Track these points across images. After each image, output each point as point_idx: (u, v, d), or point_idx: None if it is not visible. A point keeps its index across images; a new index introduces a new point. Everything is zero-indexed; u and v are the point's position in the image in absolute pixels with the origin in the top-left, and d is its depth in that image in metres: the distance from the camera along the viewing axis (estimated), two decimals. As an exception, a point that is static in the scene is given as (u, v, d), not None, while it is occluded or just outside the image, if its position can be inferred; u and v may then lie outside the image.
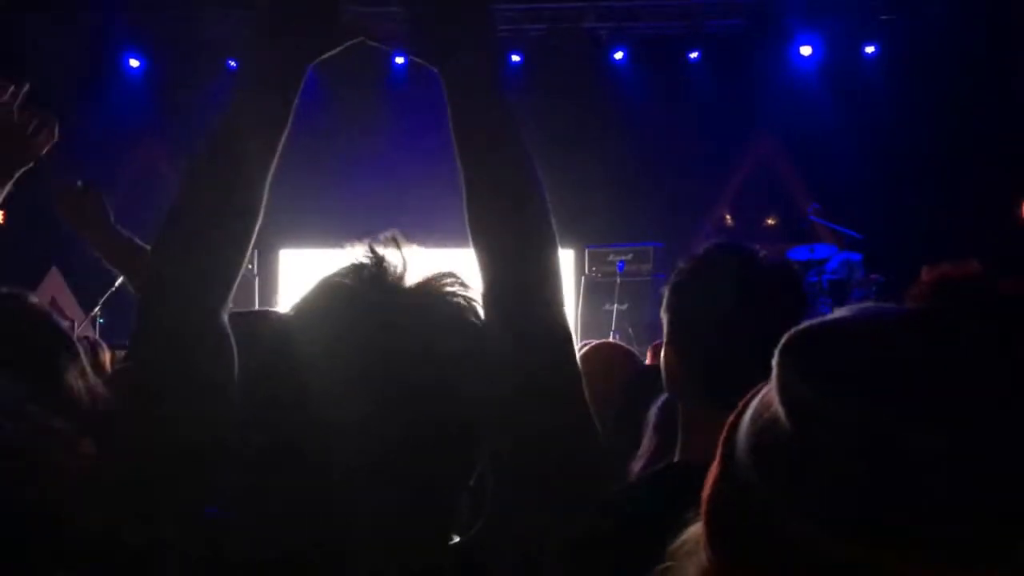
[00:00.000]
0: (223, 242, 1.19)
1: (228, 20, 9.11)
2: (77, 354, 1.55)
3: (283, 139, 1.28)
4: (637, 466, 1.99)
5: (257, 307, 8.55)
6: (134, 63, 9.64)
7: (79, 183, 2.14)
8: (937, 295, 0.65)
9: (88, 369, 1.57)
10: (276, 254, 9.22)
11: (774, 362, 0.65)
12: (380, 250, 1.17)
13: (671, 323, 1.60)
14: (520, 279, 1.19)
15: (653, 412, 2.04)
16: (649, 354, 3.25)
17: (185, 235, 1.18)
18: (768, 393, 0.66)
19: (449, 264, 1.20)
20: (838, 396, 0.60)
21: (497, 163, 1.26)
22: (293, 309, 1.17)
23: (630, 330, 7.79)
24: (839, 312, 0.67)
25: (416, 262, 1.18)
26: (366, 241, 1.21)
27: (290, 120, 1.29)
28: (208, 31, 9.22)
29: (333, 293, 1.13)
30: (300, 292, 1.20)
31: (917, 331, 0.63)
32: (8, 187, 1.95)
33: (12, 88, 1.88)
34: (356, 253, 1.19)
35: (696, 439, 1.50)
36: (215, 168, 1.22)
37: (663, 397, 1.99)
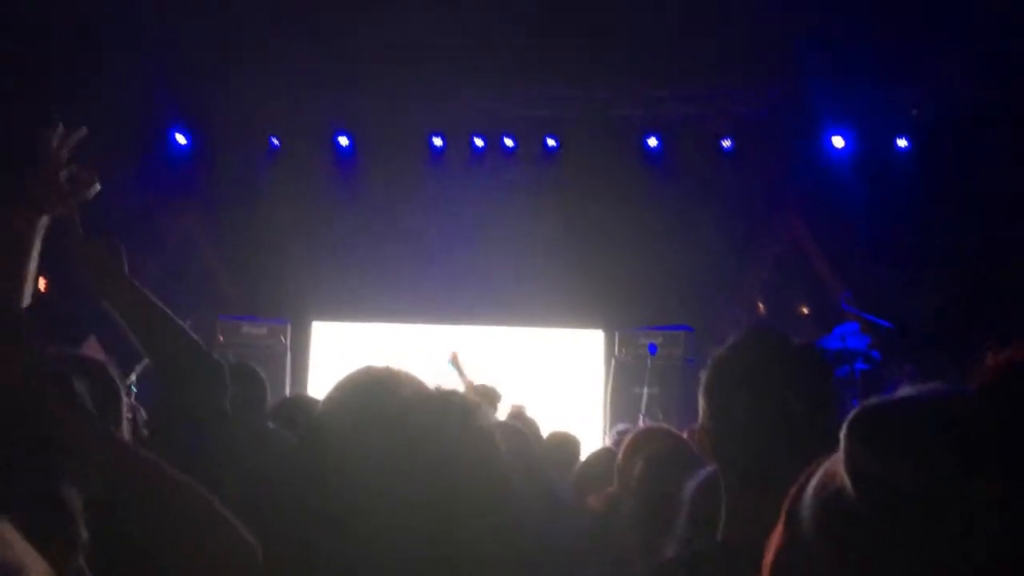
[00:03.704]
0: None
1: (270, 99, 9.40)
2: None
3: None
4: (670, 544, 2.00)
5: (289, 378, 8.62)
6: (181, 139, 9.91)
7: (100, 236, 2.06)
8: (1003, 375, 0.68)
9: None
10: (308, 326, 9.32)
11: (842, 435, 0.68)
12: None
13: (708, 405, 1.64)
14: None
15: (688, 491, 2.05)
16: (686, 438, 3.24)
17: None
18: (832, 465, 0.69)
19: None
20: (907, 468, 0.63)
21: None
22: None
23: (660, 414, 7.75)
24: (906, 390, 0.70)
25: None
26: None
27: None
28: (251, 109, 9.50)
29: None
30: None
31: (985, 405, 0.66)
32: (39, 233, 1.98)
33: (60, 127, 1.94)
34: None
35: (737, 519, 1.52)
36: None
37: (701, 476, 2.00)
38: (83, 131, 2.00)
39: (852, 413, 0.68)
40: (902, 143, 9.28)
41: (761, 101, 9.35)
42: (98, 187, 2.00)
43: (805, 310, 9.28)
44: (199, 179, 9.76)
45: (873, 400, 0.69)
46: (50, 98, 7.81)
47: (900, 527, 0.63)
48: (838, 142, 9.35)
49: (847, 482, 0.66)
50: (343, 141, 9.82)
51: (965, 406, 0.67)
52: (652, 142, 9.67)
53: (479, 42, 8.12)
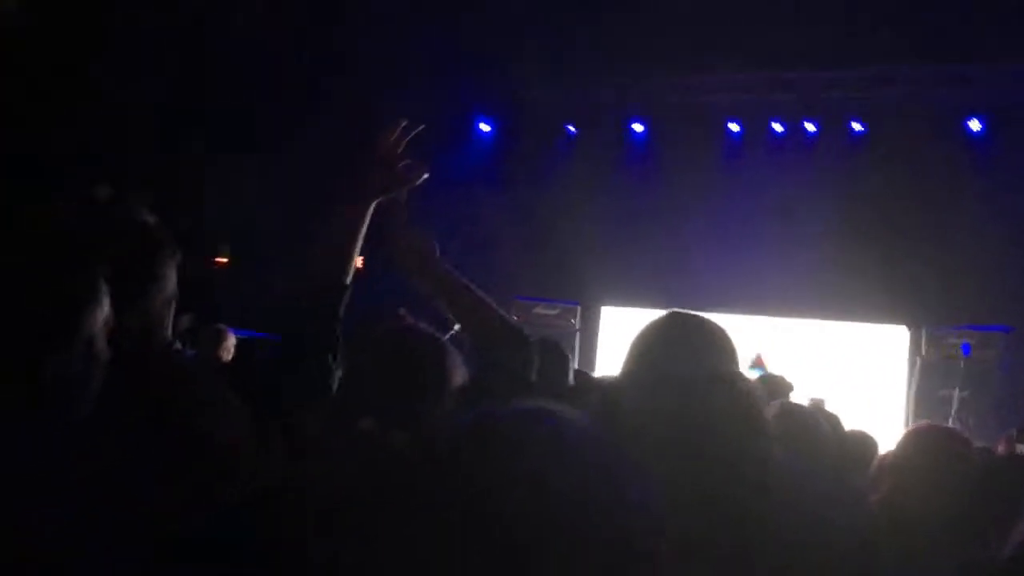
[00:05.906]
0: None
1: (567, 88, 9.65)
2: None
3: None
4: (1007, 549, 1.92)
5: (577, 359, 8.83)
6: (484, 127, 10.43)
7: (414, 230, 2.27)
8: None
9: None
10: (598, 311, 9.48)
11: None
12: None
13: None
14: None
15: None
16: (1002, 445, 2.99)
17: None
18: None
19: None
20: None
21: None
22: None
23: (970, 420, 7.15)
24: None
25: None
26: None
27: None
28: (549, 98, 9.80)
29: None
30: None
31: None
32: (368, 217, 2.17)
33: (404, 123, 2.15)
34: None
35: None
36: None
37: None
38: (420, 127, 2.20)
39: None
40: None
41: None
42: (427, 176, 2.19)
43: None
44: (500, 165, 10.21)
45: None
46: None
47: None
48: None
49: None
50: (638, 128, 9.87)
51: None
52: (974, 125, 8.87)
53: (777, 21, 7.83)
